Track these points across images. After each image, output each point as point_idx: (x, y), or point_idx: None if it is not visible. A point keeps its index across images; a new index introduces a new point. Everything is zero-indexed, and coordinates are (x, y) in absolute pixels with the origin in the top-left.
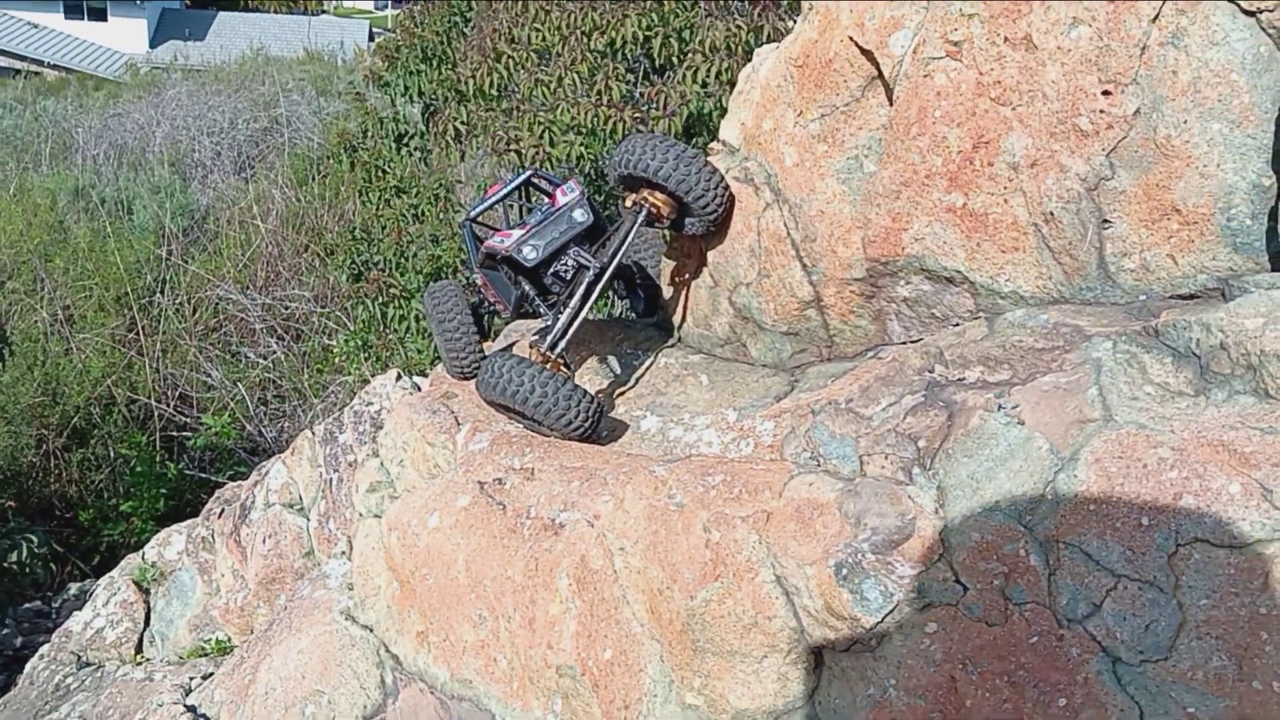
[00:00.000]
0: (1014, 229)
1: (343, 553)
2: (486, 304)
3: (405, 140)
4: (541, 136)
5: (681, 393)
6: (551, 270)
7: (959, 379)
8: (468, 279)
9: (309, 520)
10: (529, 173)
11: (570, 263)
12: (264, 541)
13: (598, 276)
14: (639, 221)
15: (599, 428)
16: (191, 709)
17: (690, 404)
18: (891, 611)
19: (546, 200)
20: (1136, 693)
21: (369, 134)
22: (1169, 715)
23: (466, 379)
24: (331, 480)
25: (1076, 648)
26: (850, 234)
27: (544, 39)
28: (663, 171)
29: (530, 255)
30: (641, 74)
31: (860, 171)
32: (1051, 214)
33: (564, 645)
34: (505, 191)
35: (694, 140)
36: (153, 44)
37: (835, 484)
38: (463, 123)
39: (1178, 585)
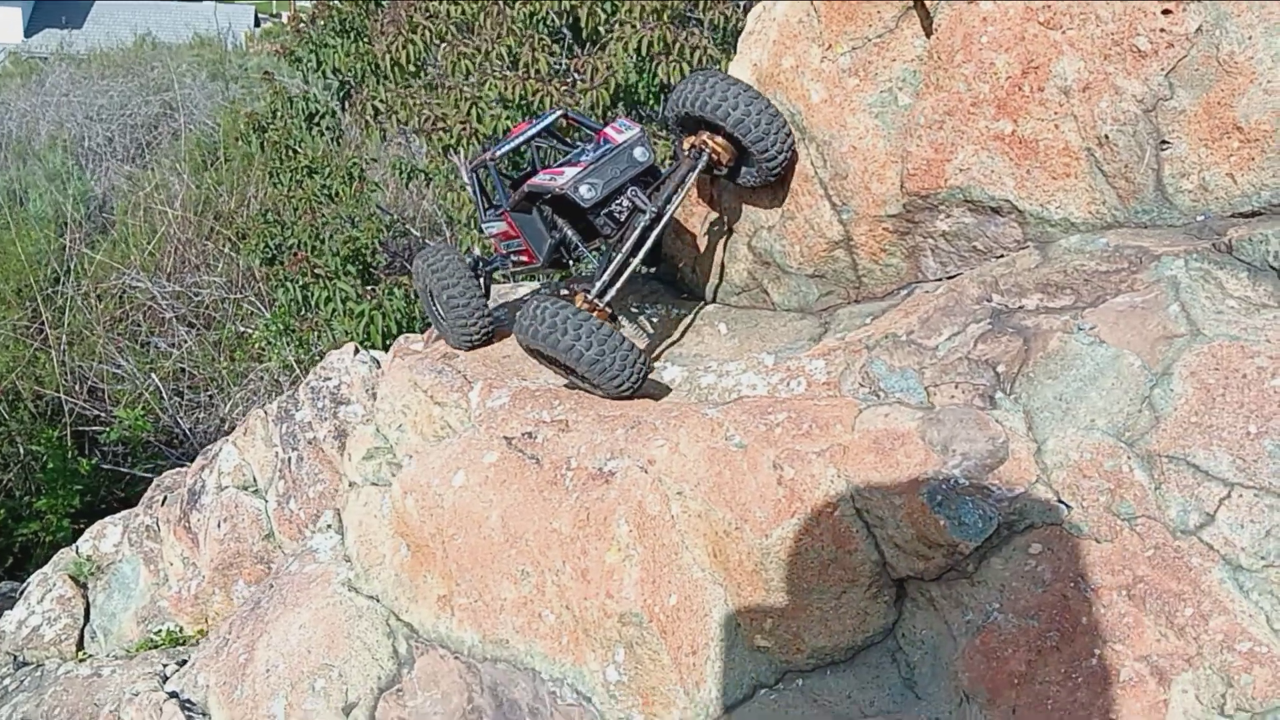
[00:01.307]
0: (1065, 154)
1: (329, 526)
2: (495, 260)
3: (317, 119)
4: (469, 113)
5: (700, 342)
6: (605, 211)
7: (1020, 306)
8: (394, 257)
9: (267, 501)
10: (559, 112)
11: (625, 204)
12: (218, 526)
13: (654, 221)
14: (699, 167)
15: (644, 386)
16: (174, 695)
17: (713, 352)
18: (991, 535)
19: (595, 138)
20: (1262, 598)
21: (279, 114)
22: None
23: (475, 348)
24: (290, 459)
25: (1195, 557)
26: (885, 169)
27: (463, 11)
28: (722, 110)
29: (588, 194)
30: (568, 45)
31: (895, 105)
32: (1106, 137)
33: (626, 593)
34: (534, 131)
35: (619, 112)
36: (28, 33)
37: (914, 413)
38: (381, 101)
39: None
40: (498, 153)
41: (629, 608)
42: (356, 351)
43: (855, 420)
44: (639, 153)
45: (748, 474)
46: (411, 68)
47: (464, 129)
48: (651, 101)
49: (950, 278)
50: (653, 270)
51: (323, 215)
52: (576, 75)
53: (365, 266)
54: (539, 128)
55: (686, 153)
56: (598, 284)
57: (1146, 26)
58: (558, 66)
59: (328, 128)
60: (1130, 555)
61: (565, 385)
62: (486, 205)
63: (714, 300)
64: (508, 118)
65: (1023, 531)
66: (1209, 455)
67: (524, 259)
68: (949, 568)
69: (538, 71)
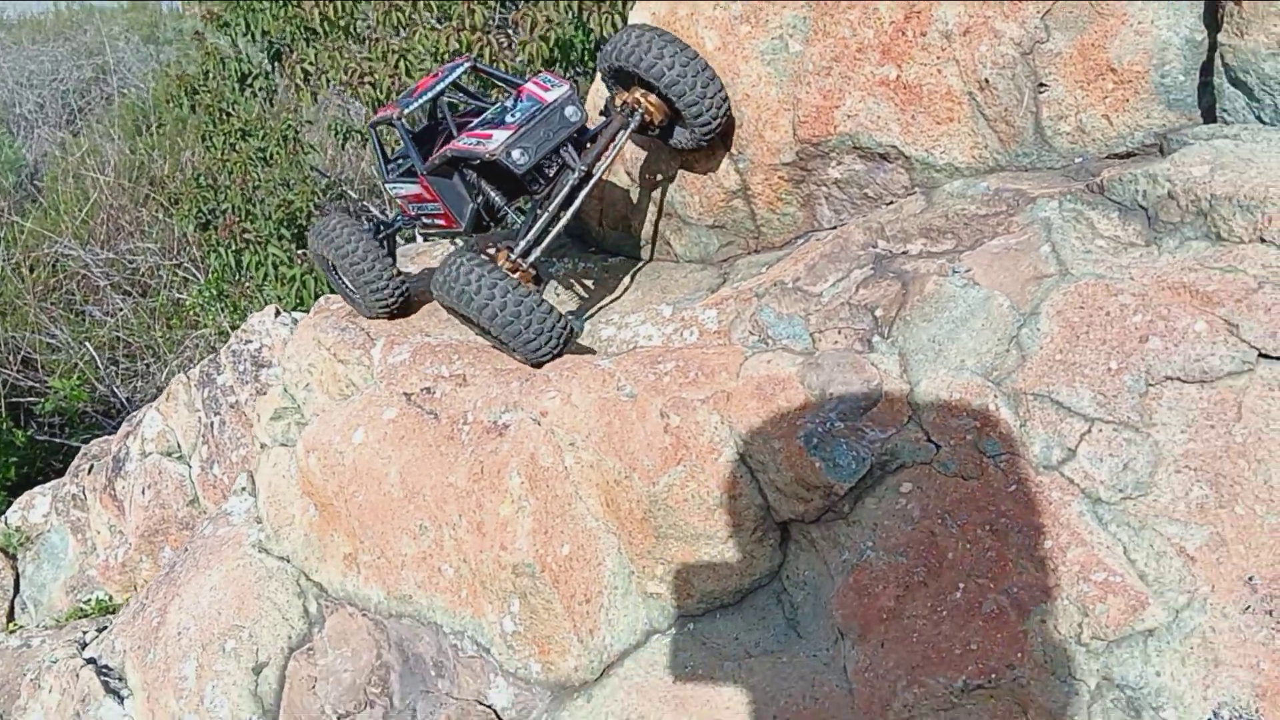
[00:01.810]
0: (948, 99)
1: (243, 489)
2: (397, 219)
3: (249, 81)
4: (397, 66)
5: (603, 294)
6: (533, 168)
7: (903, 251)
8: (343, 209)
9: (191, 467)
10: (466, 64)
11: (554, 161)
12: (143, 493)
13: (584, 180)
14: (631, 126)
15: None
16: (91, 661)
17: (615, 305)
18: (865, 476)
19: (515, 95)
20: (1119, 530)
21: (210, 76)
22: (1153, 548)
23: (393, 317)
24: (213, 424)
25: (1056, 492)
26: (778, 117)
27: None
28: (656, 69)
29: (521, 160)
30: None
31: (785, 51)
32: (986, 81)
33: (519, 544)
34: (441, 86)
35: (556, 67)
36: None
37: (795, 359)
38: (311, 62)
39: (1151, 424)
40: (405, 110)
41: (522, 559)
42: (278, 314)
43: (740, 367)
44: (570, 112)
45: (637, 423)
46: (342, 22)
47: (393, 83)
48: (588, 58)
49: (841, 225)
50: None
51: (256, 179)
52: (513, 28)
53: (299, 230)
54: (446, 82)
55: (619, 110)
56: (522, 243)
57: None
58: (494, 19)
59: (261, 89)
60: (995, 491)
61: (464, 340)
62: (389, 165)
63: (620, 253)
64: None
65: (895, 471)
66: (1072, 392)
67: (441, 223)
68: (827, 509)
69: (472, 24)
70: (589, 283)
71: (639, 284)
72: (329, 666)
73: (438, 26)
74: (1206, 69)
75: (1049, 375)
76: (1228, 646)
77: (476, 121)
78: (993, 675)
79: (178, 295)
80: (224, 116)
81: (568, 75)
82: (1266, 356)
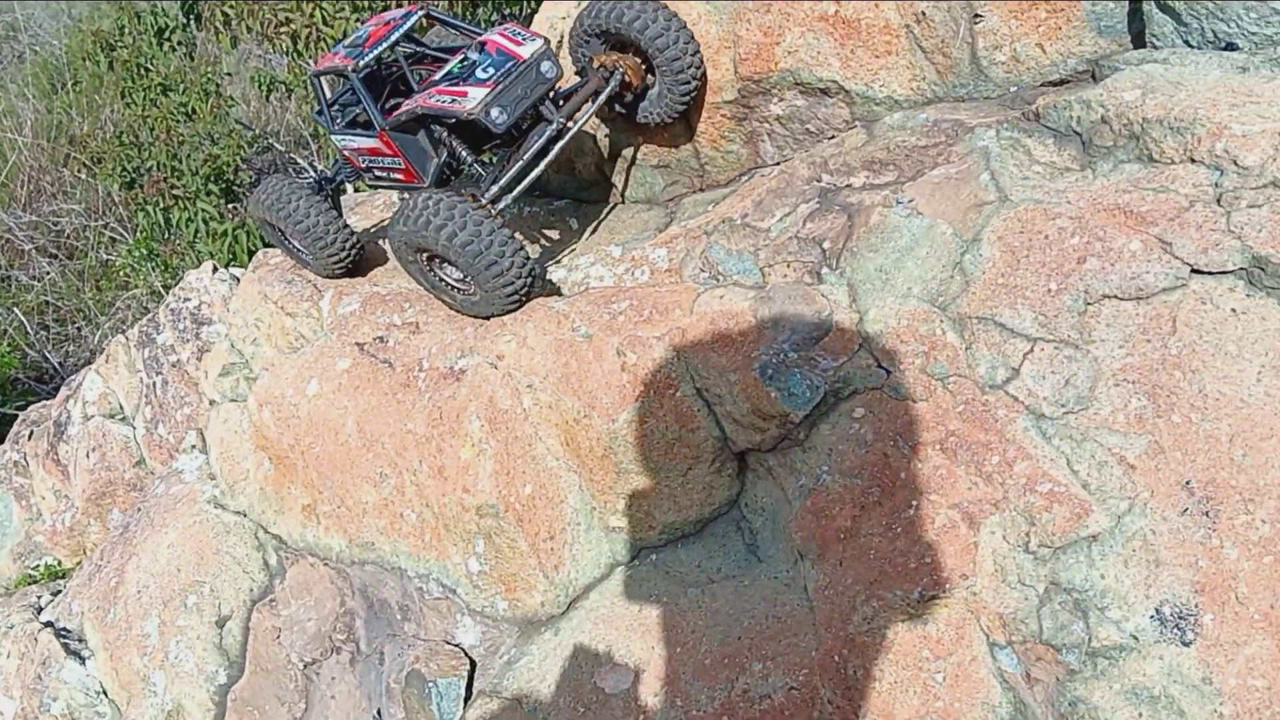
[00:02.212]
0: (886, 32)
1: (193, 446)
2: (340, 173)
3: (167, 34)
4: (313, 16)
5: (551, 237)
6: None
7: (847, 184)
8: (258, 174)
9: (135, 428)
10: (420, 12)
11: (527, 115)
12: (88, 456)
13: (559, 134)
14: (611, 85)
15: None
16: (49, 624)
17: (564, 247)
18: (819, 404)
19: (479, 46)
20: (1062, 443)
21: (126, 31)
22: (1094, 458)
23: (351, 274)
24: (155, 383)
25: (1002, 410)
26: (719, 55)
27: None
28: (640, 22)
29: (500, 119)
30: None
31: None
32: (923, 14)
33: (482, 486)
34: (396, 36)
35: (478, 11)
36: None
37: (746, 294)
38: (230, 7)
39: (1090, 340)
40: (360, 62)
41: (485, 500)
42: (215, 270)
43: (693, 304)
44: (546, 67)
45: (593, 363)
46: None
47: (310, 31)
48: (506, 2)
49: (786, 161)
50: None
51: (180, 134)
52: None
53: (228, 185)
54: (400, 31)
55: (597, 71)
56: (492, 188)
57: None
58: None
59: (180, 43)
60: (943, 412)
61: (413, 288)
62: (333, 115)
63: (565, 195)
64: (356, 19)
65: (847, 397)
66: (1014, 314)
67: (400, 177)
68: (783, 437)
69: None
70: (534, 226)
71: (586, 225)
72: (293, 616)
73: None
74: None
75: (992, 299)
76: (1167, 547)
77: (440, 75)
78: (947, 585)
79: (106, 256)
80: (143, 72)
81: (476, 20)
82: (1198, 272)
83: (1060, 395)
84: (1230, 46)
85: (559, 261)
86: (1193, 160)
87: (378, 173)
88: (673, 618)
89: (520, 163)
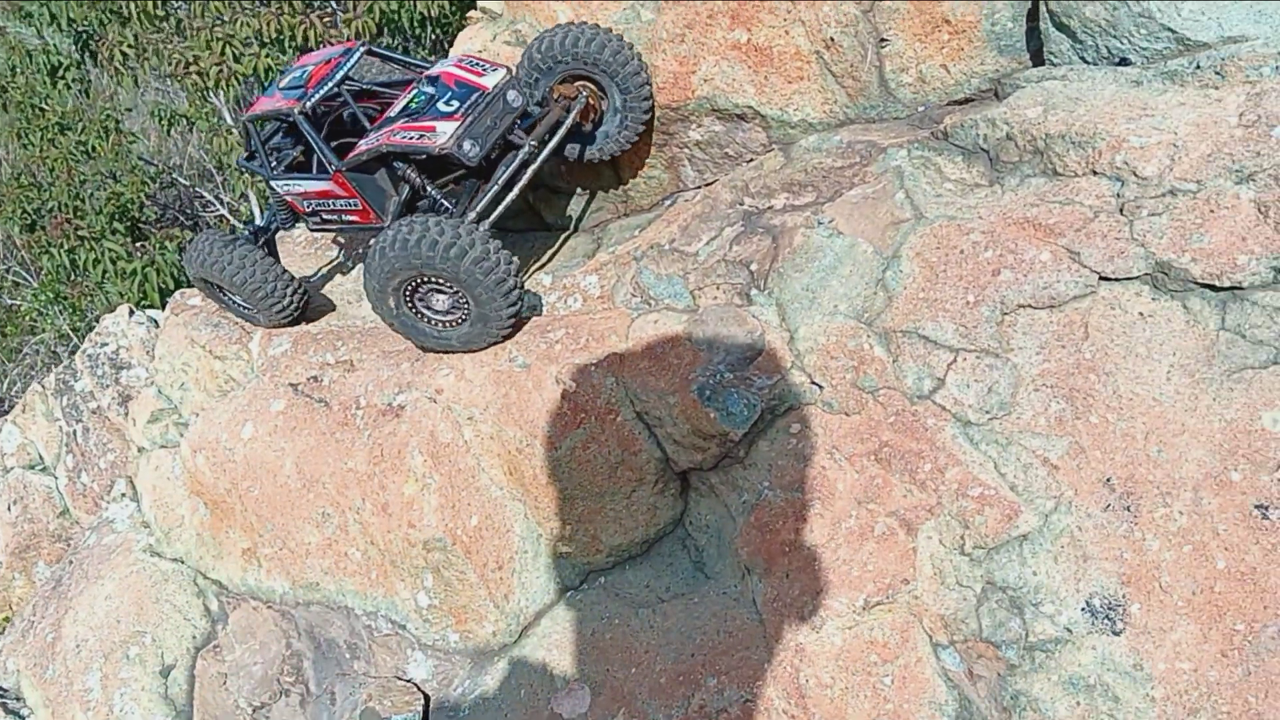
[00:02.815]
0: (798, 59)
1: (123, 494)
2: (274, 221)
3: (61, 73)
4: (223, 53)
5: None
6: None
7: (769, 206)
8: (163, 209)
9: (57, 478)
10: (362, 47)
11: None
12: (9, 509)
13: (532, 157)
14: (575, 110)
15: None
16: None
17: None
18: (756, 421)
19: (436, 80)
20: (989, 448)
21: (18, 70)
22: (1020, 461)
23: (296, 323)
24: (76, 431)
25: (931, 419)
26: None
27: None
28: (597, 43)
29: (473, 152)
30: None
31: (639, 20)
32: (832, 39)
33: (428, 520)
34: (341, 74)
35: (380, 42)
36: None
37: (680, 317)
38: (129, 46)
39: (1009, 348)
40: (307, 104)
41: (432, 534)
42: (132, 313)
43: (629, 329)
44: (512, 97)
45: (533, 392)
46: (159, 13)
47: (220, 71)
48: (415, 30)
49: (707, 184)
50: None
51: (81, 173)
52: (335, 5)
53: (134, 222)
54: (345, 70)
55: (556, 100)
56: (469, 215)
57: None
58: None
59: (75, 80)
60: (875, 423)
61: (344, 326)
62: (270, 161)
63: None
64: (267, 55)
65: (784, 414)
66: (936, 326)
67: (354, 219)
68: (724, 455)
69: (294, 6)
70: None
71: (514, 253)
72: (238, 661)
73: (259, 12)
74: (1033, 15)
75: (914, 312)
76: (1093, 542)
77: (397, 111)
78: (890, 591)
79: (10, 301)
80: (38, 112)
81: (395, 48)
82: (1106, 279)
83: (984, 402)
84: (1124, 62)
85: None
86: (1095, 172)
87: (325, 216)
88: (625, 639)
89: (494, 190)
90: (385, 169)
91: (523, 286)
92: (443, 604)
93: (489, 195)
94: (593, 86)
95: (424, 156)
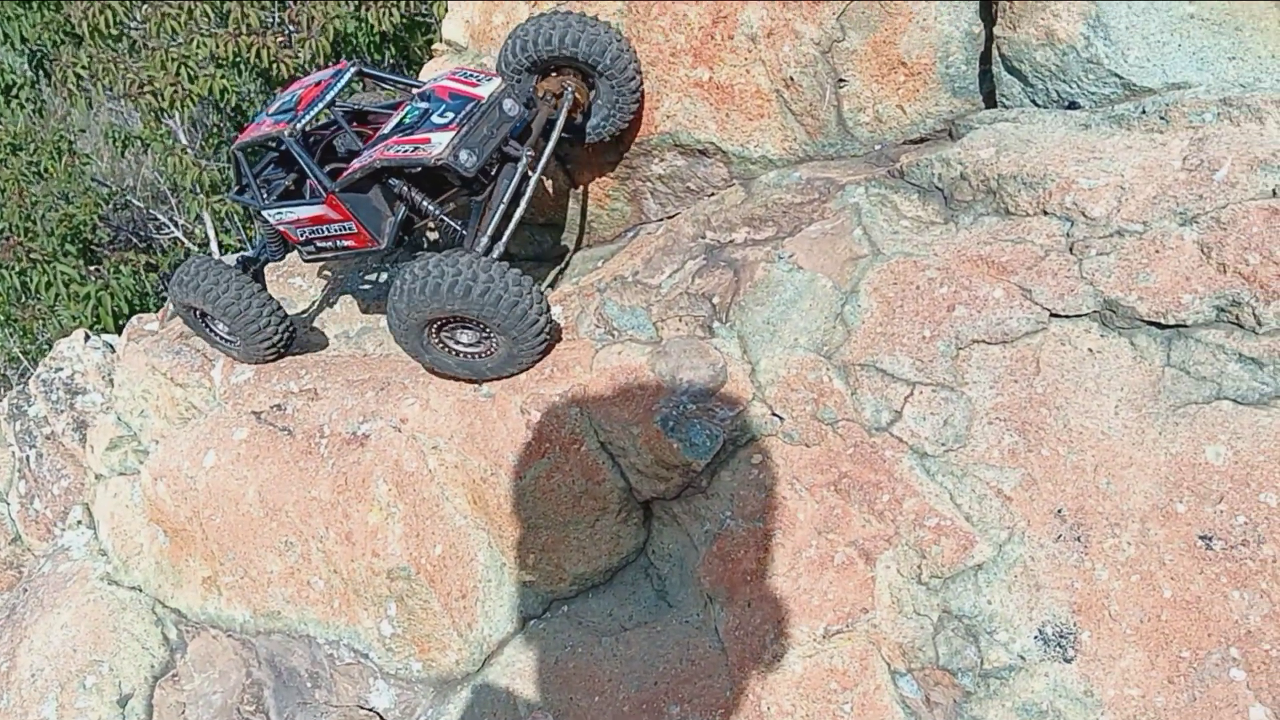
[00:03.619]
0: (758, 97)
1: (79, 522)
2: (263, 251)
3: (14, 92)
4: (178, 74)
5: None
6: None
7: (730, 240)
8: (117, 231)
9: (9, 504)
10: (354, 67)
11: (494, 158)
12: None
13: (531, 167)
14: (566, 106)
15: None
16: None
17: None
18: (719, 452)
19: (429, 94)
20: (945, 479)
21: None
22: (975, 492)
23: (281, 358)
24: (29, 457)
25: (888, 451)
26: None
27: None
28: (583, 33)
29: (469, 162)
30: None
31: None
32: (792, 79)
33: (392, 549)
34: (332, 94)
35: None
36: None
37: (643, 348)
38: (83, 67)
39: (964, 382)
40: (298, 126)
41: (396, 563)
42: (87, 338)
43: (593, 360)
44: (508, 106)
45: (498, 421)
46: (113, 32)
47: (175, 90)
48: (373, 50)
49: (670, 217)
50: None
51: (33, 194)
52: (291, 26)
53: (86, 245)
54: (336, 90)
55: (543, 98)
56: (482, 240)
57: None
58: (270, 19)
59: (27, 100)
60: (835, 454)
61: (306, 354)
62: (259, 189)
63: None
64: (222, 76)
65: (745, 445)
66: (893, 360)
67: (351, 244)
68: (687, 485)
69: (249, 26)
70: None
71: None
72: (197, 690)
73: (215, 32)
74: (986, 58)
75: (872, 346)
76: (1045, 572)
77: (390, 128)
78: (849, 619)
79: None
80: None
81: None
82: (1057, 315)
83: (940, 434)
84: (1073, 105)
85: None
86: (1045, 212)
87: (319, 244)
88: (589, 667)
89: (501, 207)
90: (380, 188)
91: (550, 319)
92: (406, 633)
93: (497, 214)
94: (576, 77)
95: (419, 171)
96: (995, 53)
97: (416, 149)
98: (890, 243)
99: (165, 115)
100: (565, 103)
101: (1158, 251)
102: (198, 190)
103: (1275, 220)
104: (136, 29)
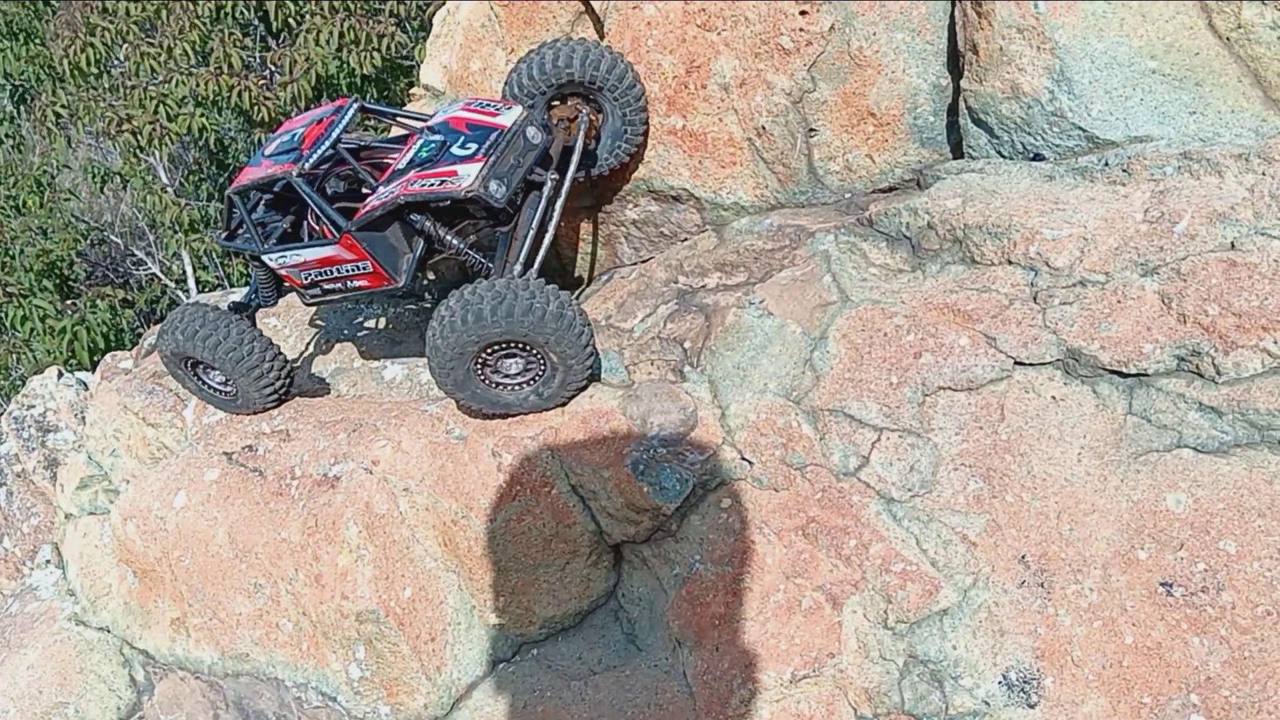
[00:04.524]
0: (731, 145)
1: (48, 561)
2: (257, 296)
3: None
4: (156, 112)
5: (418, 340)
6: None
7: (702, 285)
8: (94, 267)
9: None
10: (356, 103)
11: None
12: None
13: (556, 191)
14: (583, 128)
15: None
16: None
17: None
18: (689, 496)
19: (444, 126)
20: (911, 524)
21: None
22: (940, 538)
23: (280, 404)
24: None
25: (856, 496)
26: None
27: (143, 9)
28: (591, 60)
29: (499, 193)
30: (260, 39)
31: None
32: (763, 128)
33: (361, 591)
34: (337, 132)
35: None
36: None
37: (615, 392)
38: (63, 106)
39: (930, 428)
40: (306, 165)
41: (365, 606)
42: (61, 375)
43: (566, 403)
44: (532, 134)
45: (469, 464)
46: (94, 70)
47: (154, 128)
48: (353, 92)
49: (643, 262)
50: None
51: (11, 229)
52: (273, 68)
53: (63, 280)
54: (341, 127)
55: (557, 124)
56: (516, 267)
57: (788, 26)
58: (251, 60)
59: (7, 135)
60: (803, 499)
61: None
62: (259, 233)
63: (433, 298)
64: (202, 114)
65: (715, 489)
66: (861, 405)
67: (363, 284)
68: (657, 529)
69: (230, 67)
70: (402, 327)
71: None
72: None
73: (195, 72)
74: (953, 110)
75: (841, 392)
76: (1009, 617)
77: (405, 164)
78: (816, 664)
79: None
80: None
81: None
82: (1021, 364)
83: (906, 480)
84: (1038, 157)
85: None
86: (1010, 262)
87: (327, 286)
88: (557, 711)
89: (530, 234)
90: (399, 225)
91: (594, 348)
92: (374, 676)
93: (527, 241)
94: (586, 103)
95: (447, 203)
96: (962, 105)
97: (444, 182)
98: (859, 290)
99: (144, 153)
100: (582, 124)
101: (1120, 301)
102: (176, 229)
103: (1234, 272)
104: (118, 67)
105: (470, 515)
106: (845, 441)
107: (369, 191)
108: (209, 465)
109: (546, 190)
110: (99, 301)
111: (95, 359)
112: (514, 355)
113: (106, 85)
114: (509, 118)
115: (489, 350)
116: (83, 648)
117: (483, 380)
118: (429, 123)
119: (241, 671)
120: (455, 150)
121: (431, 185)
